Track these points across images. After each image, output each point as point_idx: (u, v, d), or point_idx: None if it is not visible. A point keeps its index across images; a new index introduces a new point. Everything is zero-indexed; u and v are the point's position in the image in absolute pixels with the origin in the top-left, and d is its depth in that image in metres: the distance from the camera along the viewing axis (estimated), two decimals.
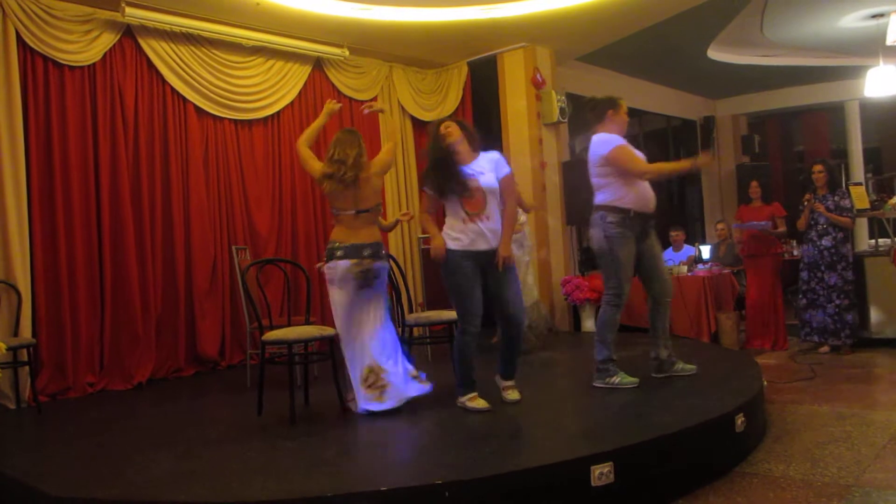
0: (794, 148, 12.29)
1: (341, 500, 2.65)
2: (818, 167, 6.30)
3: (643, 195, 4.29)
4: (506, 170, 4.05)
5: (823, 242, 6.15)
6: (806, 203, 6.23)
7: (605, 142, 4.28)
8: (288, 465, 3.16)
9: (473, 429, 3.61)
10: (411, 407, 3.97)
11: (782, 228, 6.62)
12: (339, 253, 4.01)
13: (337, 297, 4.04)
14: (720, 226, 8.63)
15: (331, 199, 4.14)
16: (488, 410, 3.85)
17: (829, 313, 6.16)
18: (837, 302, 6.12)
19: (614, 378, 4.27)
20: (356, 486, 2.78)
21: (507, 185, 4.02)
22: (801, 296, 6.40)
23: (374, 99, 7.58)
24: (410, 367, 4.19)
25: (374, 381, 3.98)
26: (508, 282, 3.96)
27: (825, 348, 6.23)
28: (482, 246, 3.89)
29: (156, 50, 5.90)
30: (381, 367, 3.99)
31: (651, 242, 4.38)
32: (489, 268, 3.93)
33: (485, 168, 3.97)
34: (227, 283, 6.24)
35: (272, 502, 2.75)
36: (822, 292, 6.19)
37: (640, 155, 4.33)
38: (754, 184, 6.88)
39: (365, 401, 3.98)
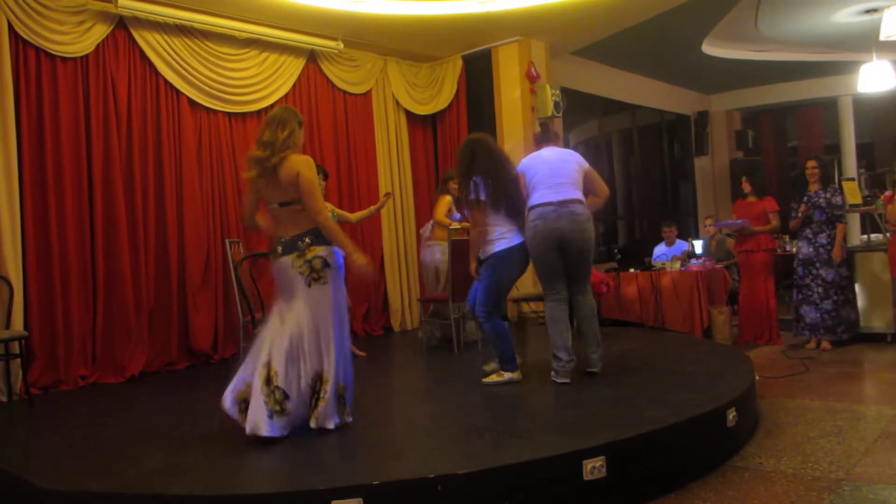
0: (787, 143, 12.33)
1: (333, 494, 2.65)
2: (811, 163, 6.35)
3: None
4: None
5: (819, 240, 6.17)
6: (800, 213, 6.24)
7: None
8: (280, 458, 3.15)
9: (466, 422, 3.62)
10: (406, 401, 3.94)
11: (775, 223, 6.63)
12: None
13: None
14: (708, 221, 8.67)
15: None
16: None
17: (825, 309, 6.16)
18: (835, 298, 6.14)
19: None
20: (348, 479, 2.78)
21: None
22: (796, 291, 6.42)
23: (370, 93, 7.57)
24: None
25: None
26: None
27: (812, 344, 6.24)
28: None
29: (149, 42, 5.87)
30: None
31: None
32: None
33: None
34: (220, 276, 6.22)
35: (264, 496, 2.75)
36: (816, 289, 6.20)
37: None
38: (743, 179, 6.93)
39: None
